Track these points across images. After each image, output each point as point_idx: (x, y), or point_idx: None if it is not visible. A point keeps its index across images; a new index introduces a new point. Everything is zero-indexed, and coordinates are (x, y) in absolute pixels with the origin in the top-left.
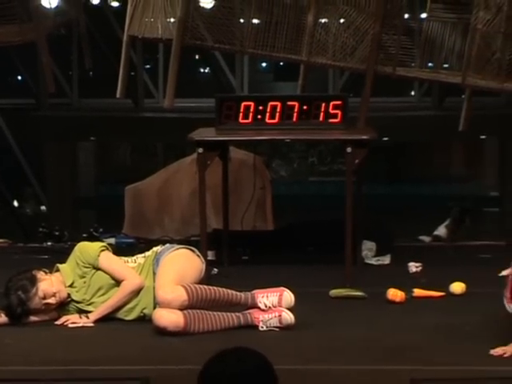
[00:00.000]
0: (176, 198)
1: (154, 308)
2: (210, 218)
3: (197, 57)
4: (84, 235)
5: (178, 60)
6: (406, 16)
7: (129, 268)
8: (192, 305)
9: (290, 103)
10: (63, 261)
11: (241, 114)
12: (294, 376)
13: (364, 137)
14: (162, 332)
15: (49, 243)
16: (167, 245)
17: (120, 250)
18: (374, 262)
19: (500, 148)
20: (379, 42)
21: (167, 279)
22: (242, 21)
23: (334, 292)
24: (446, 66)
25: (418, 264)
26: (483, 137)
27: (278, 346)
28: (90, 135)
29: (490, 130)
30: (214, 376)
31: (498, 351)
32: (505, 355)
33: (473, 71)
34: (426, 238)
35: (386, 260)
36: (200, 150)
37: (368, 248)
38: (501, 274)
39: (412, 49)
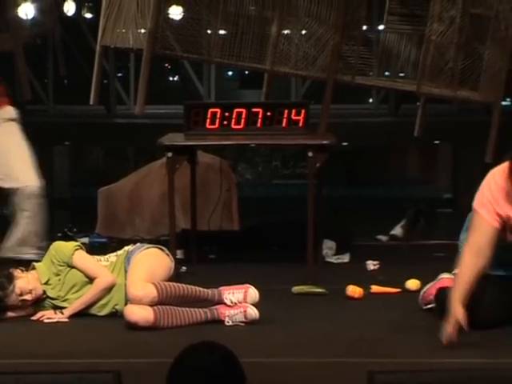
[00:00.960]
0: (146, 199)
1: (126, 304)
2: (178, 218)
3: (166, 66)
4: (59, 235)
5: (148, 69)
6: (365, 28)
7: (101, 266)
8: (161, 301)
9: (254, 110)
10: (39, 259)
11: (208, 120)
12: (259, 369)
13: (325, 142)
14: (133, 327)
15: None
16: (138, 244)
17: (93, 249)
18: (334, 260)
19: (453, 153)
20: (339, 52)
21: (138, 277)
22: (209, 32)
23: (296, 289)
24: (401, 74)
25: (375, 262)
26: (437, 142)
27: (243, 340)
28: (64, 140)
29: (444, 135)
30: (183, 369)
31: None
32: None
33: (427, 80)
34: (383, 238)
35: (346, 258)
36: (169, 154)
37: (328, 247)
38: (455, 272)
39: (370, 58)
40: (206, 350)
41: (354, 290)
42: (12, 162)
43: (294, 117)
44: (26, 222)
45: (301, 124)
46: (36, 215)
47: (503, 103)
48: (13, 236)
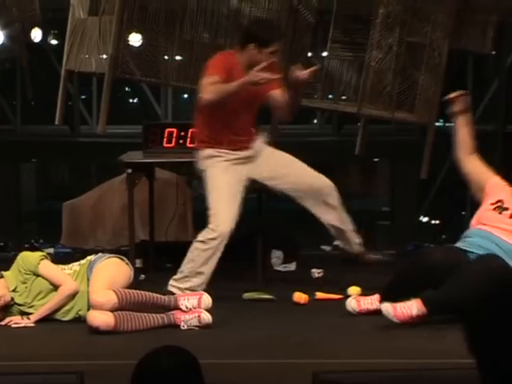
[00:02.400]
0: (108, 212)
1: (88, 310)
2: (137, 230)
3: (126, 88)
4: (26, 246)
5: (109, 91)
6: (310, 54)
7: (65, 274)
8: (122, 307)
9: None
10: (7, 268)
11: (165, 139)
12: (214, 369)
13: None
14: (95, 331)
15: None
16: (100, 254)
17: (58, 259)
18: (281, 268)
19: (391, 169)
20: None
21: (99, 284)
22: (166, 57)
23: (246, 295)
24: (344, 97)
25: (319, 270)
26: (376, 159)
27: (198, 343)
28: (31, 157)
29: (382, 153)
30: (147, 372)
31: None
32: None
33: (367, 102)
34: (326, 248)
35: (292, 267)
36: (129, 171)
37: (276, 256)
38: None
39: (315, 83)
40: (169, 354)
41: (300, 296)
42: (306, 176)
43: None
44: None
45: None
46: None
47: (436, 124)
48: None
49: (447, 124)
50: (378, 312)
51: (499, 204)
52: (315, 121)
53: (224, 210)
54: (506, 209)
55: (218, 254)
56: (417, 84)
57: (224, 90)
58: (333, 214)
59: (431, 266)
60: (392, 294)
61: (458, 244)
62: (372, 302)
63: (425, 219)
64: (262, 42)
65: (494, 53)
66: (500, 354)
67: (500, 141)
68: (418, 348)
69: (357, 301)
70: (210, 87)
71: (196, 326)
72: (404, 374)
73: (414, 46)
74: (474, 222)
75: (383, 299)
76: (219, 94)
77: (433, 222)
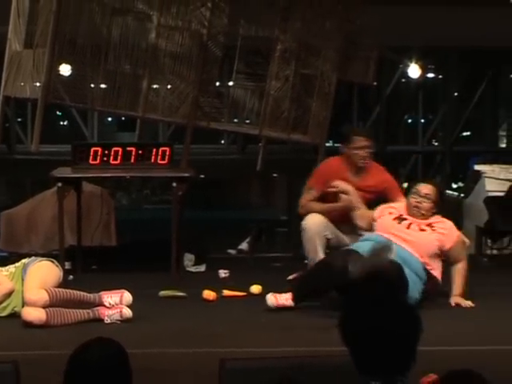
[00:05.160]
0: (41, 220)
1: (23, 306)
2: (67, 236)
3: (57, 112)
4: None
5: (42, 115)
6: (217, 84)
7: (2, 275)
8: (52, 304)
9: (129, 148)
10: None
11: (91, 157)
12: (134, 358)
13: (186, 175)
14: (29, 325)
15: None
16: (33, 257)
17: None
18: (193, 269)
19: (288, 183)
20: (197, 102)
21: (33, 284)
22: (92, 85)
23: (162, 293)
24: (247, 121)
25: (226, 271)
26: (275, 175)
27: (120, 335)
28: None
29: (280, 169)
30: (80, 361)
31: None
32: None
33: (267, 125)
34: (232, 251)
35: (202, 268)
36: (59, 184)
37: (188, 259)
38: (288, 278)
39: (222, 108)
40: (98, 344)
41: (208, 294)
42: None
43: (160, 154)
44: None
45: (166, 160)
46: None
47: (326, 144)
48: None
49: (336, 144)
50: (291, 308)
51: (399, 215)
52: (222, 141)
53: (312, 216)
54: (405, 219)
55: (313, 242)
56: (310, 110)
57: (313, 209)
58: None
59: (333, 271)
60: (302, 294)
61: (356, 245)
62: (287, 299)
63: None
64: (347, 140)
65: (375, 84)
66: (368, 344)
67: (381, 160)
68: (311, 338)
69: (274, 297)
70: (305, 204)
71: (118, 320)
72: (299, 361)
73: (308, 77)
74: (376, 228)
75: (295, 297)
76: (309, 211)
77: None
